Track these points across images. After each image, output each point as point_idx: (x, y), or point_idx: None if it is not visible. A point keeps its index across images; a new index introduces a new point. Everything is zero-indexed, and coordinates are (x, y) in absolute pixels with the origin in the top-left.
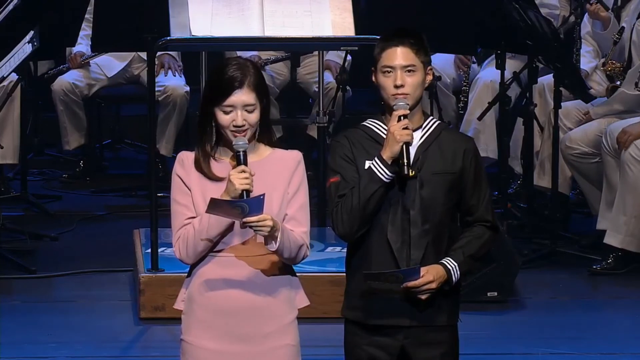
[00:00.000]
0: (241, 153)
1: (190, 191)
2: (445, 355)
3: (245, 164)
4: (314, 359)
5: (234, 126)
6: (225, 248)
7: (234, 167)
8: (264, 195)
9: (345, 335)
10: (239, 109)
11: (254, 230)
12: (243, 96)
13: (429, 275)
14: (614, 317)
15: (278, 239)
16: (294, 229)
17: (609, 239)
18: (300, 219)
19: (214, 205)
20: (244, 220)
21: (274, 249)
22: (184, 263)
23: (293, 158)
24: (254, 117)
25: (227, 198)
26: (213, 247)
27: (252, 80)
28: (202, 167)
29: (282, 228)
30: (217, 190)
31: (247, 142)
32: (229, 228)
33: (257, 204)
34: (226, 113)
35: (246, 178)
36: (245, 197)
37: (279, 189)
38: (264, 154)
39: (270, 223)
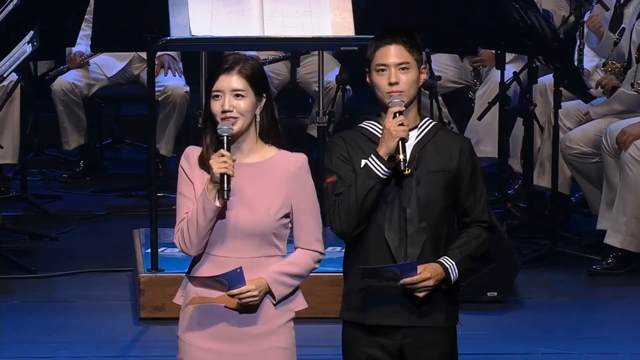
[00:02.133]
0: (224, 138)
1: (193, 184)
2: (443, 356)
3: (228, 149)
4: (314, 359)
5: (222, 112)
6: (221, 248)
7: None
8: (240, 268)
9: (343, 338)
10: (227, 93)
11: (243, 303)
12: (231, 81)
13: (426, 272)
14: (614, 317)
15: (276, 294)
16: (303, 236)
17: (609, 239)
18: (310, 224)
19: (196, 279)
20: (228, 293)
21: (275, 302)
22: (188, 255)
23: (296, 161)
24: (243, 104)
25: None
26: (207, 242)
27: (243, 68)
28: (203, 160)
29: (274, 280)
30: None
31: (232, 127)
32: (221, 214)
33: (235, 277)
34: (216, 99)
35: (224, 162)
36: (225, 181)
37: (279, 192)
38: (267, 155)
39: (255, 293)
